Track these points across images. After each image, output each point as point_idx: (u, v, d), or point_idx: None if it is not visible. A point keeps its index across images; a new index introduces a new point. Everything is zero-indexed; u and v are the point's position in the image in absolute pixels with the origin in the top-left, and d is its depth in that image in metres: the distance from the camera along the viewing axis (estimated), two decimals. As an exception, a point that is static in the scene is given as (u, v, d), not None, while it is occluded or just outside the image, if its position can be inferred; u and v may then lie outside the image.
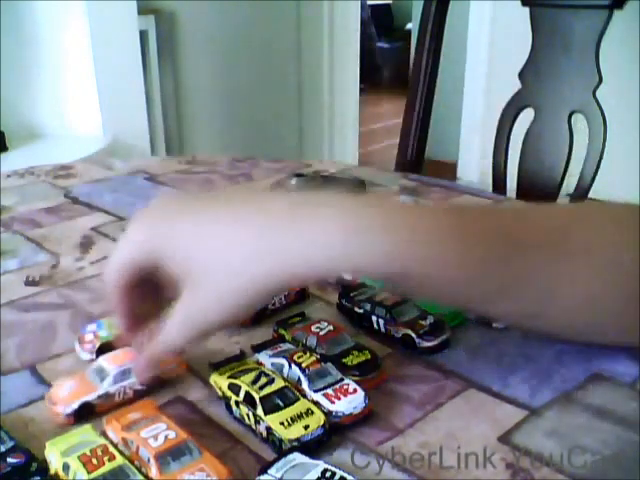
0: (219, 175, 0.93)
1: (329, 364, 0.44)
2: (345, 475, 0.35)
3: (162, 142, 2.46)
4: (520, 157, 0.98)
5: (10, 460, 0.37)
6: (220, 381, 0.44)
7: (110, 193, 0.87)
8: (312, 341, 0.48)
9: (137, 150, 2.09)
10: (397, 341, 0.50)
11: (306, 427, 0.39)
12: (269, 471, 0.36)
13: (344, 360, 0.46)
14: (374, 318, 0.51)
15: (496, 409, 0.43)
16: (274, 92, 2.94)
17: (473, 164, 2.85)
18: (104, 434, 0.39)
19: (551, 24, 0.95)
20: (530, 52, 0.98)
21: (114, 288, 0.44)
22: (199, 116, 2.67)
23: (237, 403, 0.42)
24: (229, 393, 0.42)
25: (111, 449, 0.37)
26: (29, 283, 0.62)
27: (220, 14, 2.60)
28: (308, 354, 0.45)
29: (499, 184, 1.01)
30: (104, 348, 0.47)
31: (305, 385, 0.43)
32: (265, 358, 0.46)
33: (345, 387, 0.43)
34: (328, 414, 0.41)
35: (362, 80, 3.25)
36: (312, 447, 0.39)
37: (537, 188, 0.95)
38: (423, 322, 0.50)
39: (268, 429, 0.40)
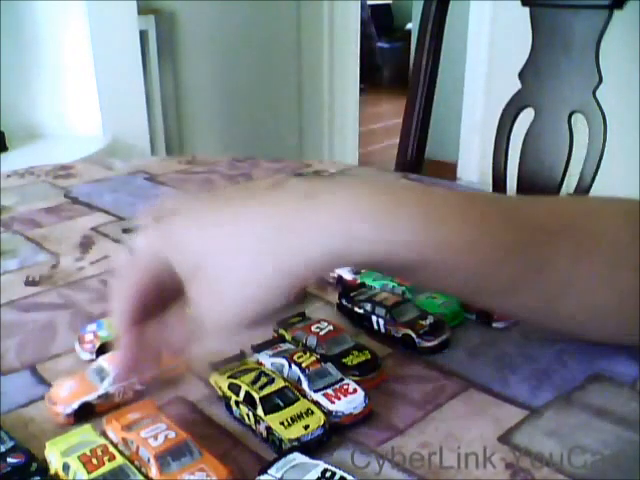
0: (219, 175, 0.93)
1: (329, 364, 0.44)
2: (345, 475, 0.35)
3: (162, 142, 2.46)
4: (520, 157, 0.98)
5: (10, 460, 0.37)
6: (220, 381, 0.44)
7: (110, 193, 0.87)
8: (312, 341, 0.48)
9: (137, 150, 2.09)
10: (397, 341, 0.50)
11: (306, 427, 0.39)
12: (269, 471, 0.36)
13: (344, 360, 0.46)
14: (374, 318, 0.51)
15: (496, 409, 0.43)
16: (274, 92, 2.94)
17: (473, 164, 2.86)
18: (104, 434, 0.39)
19: (551, 24, 0.95)
20: (530, 52, 0.97)
21: (123, 297, 0.41)
22: (199, 116, 2.67)
23: (237, 403, 0.42)
24: (229, 393, 0.42)
25: (111, 449, 0.37)
26: (29, 283, 0.62)
27: (220, 14, 2.60)
28: (308, 354, 0.45)
29: (499, 184, 1.01)
30: (104, 348, 0.47)
31: (305, 385, 0.43)
32: (265, 358, 0.46)
33: (345, 387, 0.43)
34: (328, 414, 0.41)
35: (362, 80, 3.25)
36: (312, 447, 0.38)
37: (537, 188, 0.95)
38: (423, 322, 0.50)
39: (268, 429, 0.40)
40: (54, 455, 0.37)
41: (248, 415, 0.41)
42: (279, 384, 0.42)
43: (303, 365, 0.44)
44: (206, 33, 2.60)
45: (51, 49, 1.97)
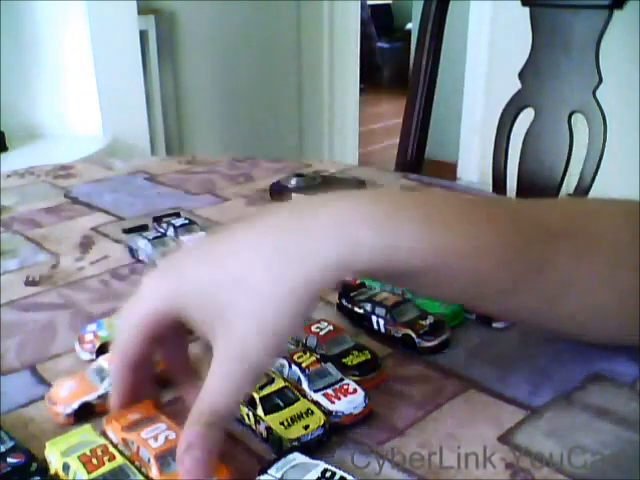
0: (219, 175, 0.93)
1: (329, 364, 0.44)
2: (345, 475, 0.35)
3: (162, 142, 2.47)
4: (520, 157, 0.98)
5: (10, 460, 0.37)
6: (220, 381, 0.43)
7: (110, 193, 0.87)
8: (312, 341, 0.48)
9: (137, 150, 2.09)
10: (397, 341, 0.50)
11: (306, 427, 0.39)
12: (269, 471, 0.36)
13: (344, 360, 0.46)
14: (374, 318, 0.51)
15: (496, 409, 0.43)
16: (274, 92, 2.94)
17: (473, 164, 2.85)
18: (104, 434, 0.39)
19: (551, 24, 0.95)
20: (530, 52, 0.97)
21: (127, 345, 0.40)
22: (199, 116, 2.67)
23: (237, 403, 0.42)
24: (229, 393, 0.42)
25: (111, 449, 0.37)
26: (29, 283, 0.62)
27: (220, 14, 2.60)
28: (308, 354, 0.45)
29: (499, 184, 1.01)
30: (104, 348, 0.47)
31: (305, 385, 0.43)
32: (265, 358, 0.46)
33: (345, 387, 0.43)
34: (328, 414, 0.41)
35: (362, 80, 3.25)
36: (312, 447, 0.38)
37: (537, 188, 0.95)
38: (423, 322, 0.50)
39: (268, 429, 0.40)
40: (54, 455, 0.37)
41: (248, 415, 0.41)
42: (279, 384, 0.42)
43: (303, 365, 0.44)
44: (206, 33, 2.60)
45: (51, 49, 1.97)
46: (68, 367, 0.48)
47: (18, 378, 0.47)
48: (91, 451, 0.37)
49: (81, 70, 1.97)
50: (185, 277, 0.39)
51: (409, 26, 5.00)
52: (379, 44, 5.73)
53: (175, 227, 0.67)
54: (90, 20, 1.92)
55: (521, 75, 0.98)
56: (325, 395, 0.42)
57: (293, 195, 0.79)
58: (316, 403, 0.42)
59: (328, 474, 0.35)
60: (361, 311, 0.52)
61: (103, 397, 0.43)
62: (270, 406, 0.40)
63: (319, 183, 0.82)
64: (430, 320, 0.50)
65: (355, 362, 0.46)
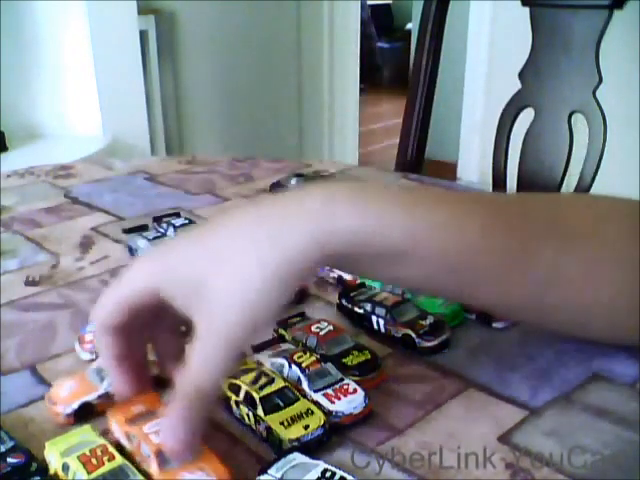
0: (219, 175, 0.93)
1: (329, 364, 0.44)
2: (345, 475, 0.35)
3: (162, 142, 2.46)
4: (520, 157, 0.98)
5: (10, 460, 0.37)
6: (220, 381, 0.44)
7: (110, 193, 0.87)
8: (312, 341, 0.48)
9: (137, 150, 2.09)
10: (397, 341, 0.50)
11: (306, 427, 0.39)
12: (269, 471, 0.36)
13: (344, 360, 0.46)
14: (374, 318, 0.51)
15: (496, 409, 0.43)
16: (274, 92, 2.94)
17: (473, 164, 2.85)
18: (104, 434, 0.39)
19: (551, 24, 0.95)
20: (530, 52, 0.97)
21: (108, 325, 0.41)
22: (199, 116, 2.67)
23: (237, 403, 0.42)
24: (229, 393, 0.42)
25: (110, 449, 0.37)
26: (29, 283, 0.62)
27: (220, 14, 2.60)
28: (308, 354, 0.45)
29: (499, 184, 1.01)
30: (104, 348, 0.47)
31: (305, 385, 0.43)
32: (265, 358, 0.46)
33: (345, 387, 0.43)
34: (328, 414, 0.41)
35: (362, 80, 3.25)
36: (312, 447, 0.39)
37: (537, 188, 0.95)
38: (423, 322, 0.50)
39: (268, 429, 0.40)
40: (54, 455, 0.37)
41: (248, 415, 0.41)
42: (279, 384, 0.42)
43: (303, 365, 0.44)
44: (206, 33, 2.60)
45: (51, 49, 1.97)
46: (68, 367, 0.48)
47: (18, 378, 0.47)
48: (91, 451, 0.37)
49: (81, 70, 1.97)
50: (169, 258, 0.40)
51: (409, 26, 5.00)
52: (379, 44, 5.73)
53: (175, 227, 0.67)
54: (90, 20, 1.92)
55: (521, 75, 0.98)
56: (325, 395, 0.42)
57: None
58: (316, 403, 0.42)
59: (328, 474, 0.35)
60: (361, 311, 0.52)
61: (103, 397, 0.43)
62: (270, 406, 0.40)
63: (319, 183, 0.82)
64: (430, 320, 0.50)
65: (355, 362, 0.46)
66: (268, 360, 0.45)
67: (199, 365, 0.37)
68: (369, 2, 5.67)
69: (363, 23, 3.56)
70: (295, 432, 0.39)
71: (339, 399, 0.42)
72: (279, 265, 0.37)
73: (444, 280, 0.42)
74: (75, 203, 0.83)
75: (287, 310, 0.54)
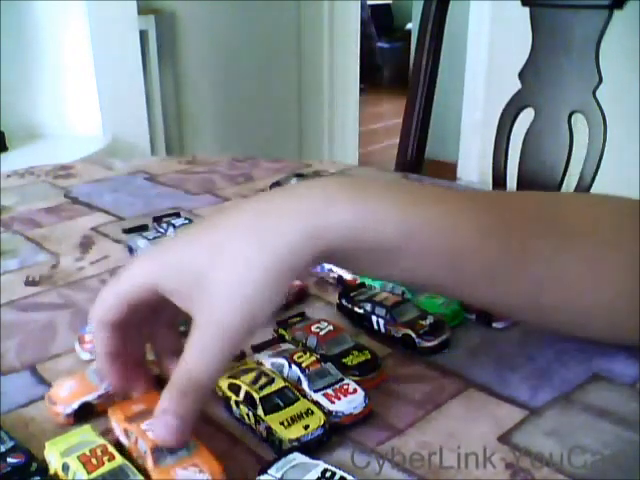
0: (219, 175, 0.93)
1: (329, 364, 0.44)
2: (345, 475, 0.35)
3: (162, 142, 2.47)
4: (520, 157, 0.98)
5: (10, 460, 0.37)
6: (220, 381, 0.44)
7: (110, 193, 0.87)
8: (312, 341, 0.48)
9: (137, 150, 2.09)
10: (397, 341, 0.50)
11: (306, 427, 0.39)
12: (269, 471, 0.36)
13: (344, 360, 0.46)
14: (374, 318, 0.51)
15: (496, 409, 0.43)
16: (274, 92, 2.94)
17: (473, 164, 2.86)
18: (104, 434, 0.39)
19: (551, 24, 0.95)
20: (530, 52, 0.97)
21: (106, 321, 0.41)
22: (199, 116, 2.67)
23: (237, 403, 0.42)
24: (229, 393, 0.42)
25: (110, 449, 0.37)
26: (29, 283, 0.62)
27: (220, 14, 2.60)
28: (308, 354, 0.45)
29: (499, 184, 1.01)
30: (104, 348, 0.47)
31: (305, 385, 0.43)
32: (265, 358, 0.46)
33: (345, 387, 0.43)
34: (328, 414, 0.41)
35: (362, 80, 3.25)
36: (312, 447, 0.38)
37: (537, 188, 0.95)
38: (423, 322, 0.50)
39: (268, 429, 0.40)
40: (53, 455, 0.37)
41: (248, 415, 0.41)
42: (279, 384, 0.42)
43: (303, 365, 0.44)
44: (206, 33, 2.60)
45: (51, 49, 1.97)
46: (68, 367, 0.48)
47: (18, 378, 0.47)
48: (91, 451, 0.37)
49: (81, 70, 1.97)
50: (168, 254, 0.40)
51: (409, 26, 5.00)
52: (379, 44, 5.73)
53: (175, 227, 0.67)
54: (90, 20, 1.92)
55: (521, 75, 0.98)
56: (325, 395, 0.42)
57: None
58: (316, 403, 0.42)
59: (328, 474, 0.35)
60: (361, 311, 0.52)
61: (103, 397, 0.43)
62: (270, 406, 0.40)
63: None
64: (430, 320, 0.50)
65: (355, 362, 0.46)
66: (268, 360, 0.45)
67: (196, 355, 0.37)
68: (369, 2, 5.67)
69: (363, 23, 3.56)
70: (295, 432, 0.39)
71: (339, 399, 0.42)
72: (276, 259, 0.37)
73: (442, 277, 0.42)
74: (75, 203, 0.83)
75: (287, 310, 0.54)
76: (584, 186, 0.90)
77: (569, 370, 0.47)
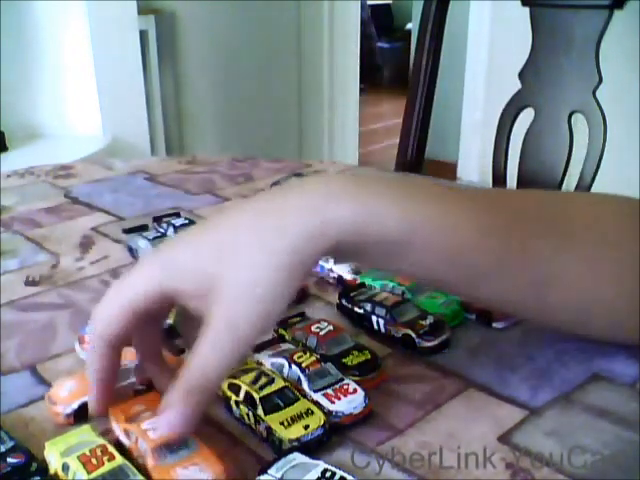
0: (219, 175, 0.93)
1: (329, 364, 0.44)
2: (345, 475, 0.35)
3: (162, 142, 2.47)
4: (520, 157, 0.98)
5: (10, 460, 0.37)
6: (220, 381, 0.44)
7: (110, 193, 0.87)
8: (312, 341, 0.48)
9: (137, 150, 2.09)
10: (397, 341, 0.50)
11: (306, 427, 0.39)
12: (269, 471, 0.36)
13: (344, 360, 0.46)
14: (374, 318, 0.51)
15: (496, 409, 0.43)
16: (274, 92, 2.94)
17: (473, 164, 2.86)
18: (104, 434, 0.39)
19: (551, 24, 0.95)
20: (530, 52, 0.97)
21: (110, 334, 0.40)
22: (199, 116, 2.67)
23: (237, 403, 0.42)
24: (229, 393, 0.42)
25: (110, 449, 0.37)
26: (29, 283, 0.62)
27: (220, 14, 2.60)
28: (308, 354, 0.45)
29: (499, 184, 1.01)
30: (104, 348, 0.47)
31: (305, 385, 0.43)
32: (265, 358, 0.46)
33: (345, 387, 0.43)
34: (328, 414, 0.41)
35: (362, 80, 3.25)
36: (312, 447, 0.38)
37: (537, 188, 0.95)
38: (423, 322, 0.50)
39: (268, 429, 0.40)
40: (53, 455, 0.37)
41: (248, 415, 0.41)
42: (279, 384, 0.42)
43: (303, 365, 0.44)
44: (206, 33, 2.60)
45: (51, 49, 1.97)
46: (68, 367, 0.48)
47: (18, 378, 0.47)
48: (90, 451, 0.37)
49: (81, 70, 1.97)
50: (169, 256, 0.40)
51: (409, 26, 5.00)
52: (379, 44, 5.73)
53: (175, 227, 0.67)
54: (90, 20, 1.92)
55: (521, 75, 0.98)
56: (325, 395, 0.42)
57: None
58: (316, 403, 0.42)
59: (328, 474, 0.35)
60: (361, 311, 0.52)
61: (103, 397, 0.43)
62: (270, 406, 0.40)
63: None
64: (430, 320, 0.50)
65: (355, 362, 0.46)
66: (268, 360, 0.45)
67: (209, 352, 0.37)
68: (369, 2, 5.67)
69: (363, 23, 3.56)
70: (295, 432, 0.39)
71: (339, 399, 0.42)
72: (284, 255, 0.37)
73: (443, 273, 0.42)
74: (75, 203, 0.83)
75: (287, 310, 0.54)
76: (584, 186, 0.90)
77: (569, 370, 0.47)
